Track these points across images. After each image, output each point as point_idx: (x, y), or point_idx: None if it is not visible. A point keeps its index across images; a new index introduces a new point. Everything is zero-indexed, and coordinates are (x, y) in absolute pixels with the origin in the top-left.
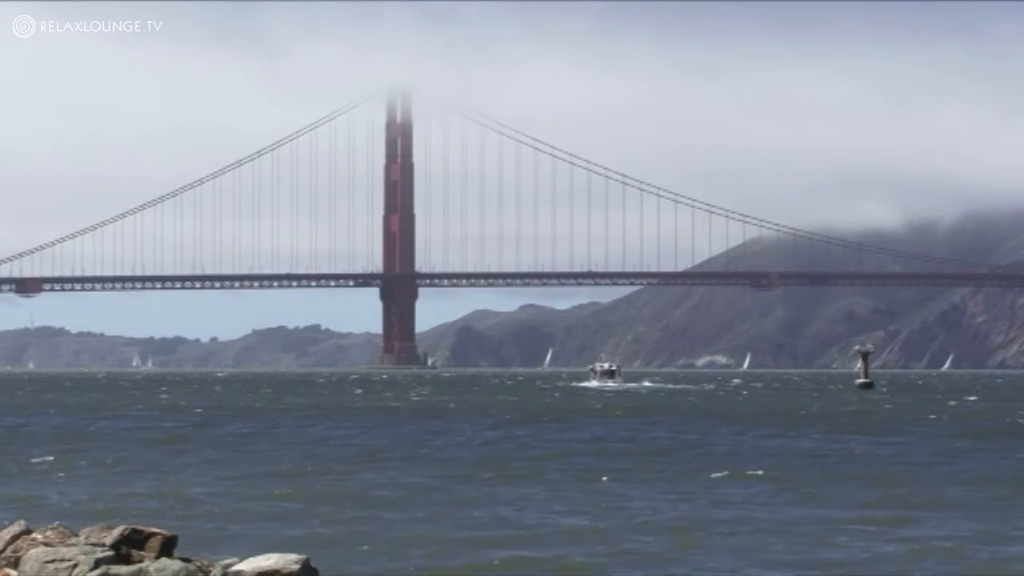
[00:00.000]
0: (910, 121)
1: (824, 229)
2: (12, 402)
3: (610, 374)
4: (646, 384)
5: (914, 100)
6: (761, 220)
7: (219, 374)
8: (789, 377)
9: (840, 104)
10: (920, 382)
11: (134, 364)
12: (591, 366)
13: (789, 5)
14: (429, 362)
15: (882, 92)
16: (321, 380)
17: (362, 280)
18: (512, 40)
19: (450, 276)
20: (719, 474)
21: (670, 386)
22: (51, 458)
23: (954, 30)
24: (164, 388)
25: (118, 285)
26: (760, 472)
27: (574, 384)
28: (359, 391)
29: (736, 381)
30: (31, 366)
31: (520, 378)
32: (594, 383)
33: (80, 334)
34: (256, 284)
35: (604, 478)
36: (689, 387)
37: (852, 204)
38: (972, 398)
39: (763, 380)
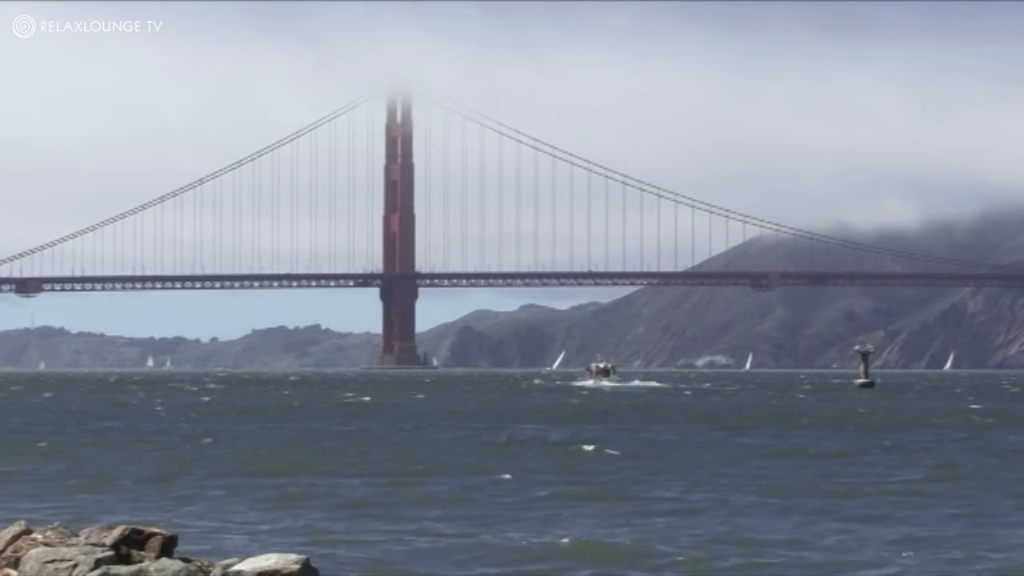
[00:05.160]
0: (950, 122)
1: (841, 228)
2: None
3: (605, 373)
4: (636, 383)
5: (954, 100)
6: (761, 220)
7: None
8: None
9: (878, 104)
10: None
11: (148, 364)
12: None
13: (839, 5)
14: (434, 363)
15: (922, 93)
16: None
17: (362, 280)
18: (549, 41)
19: (450, 276)
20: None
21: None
22: None
23: (1009, 31)
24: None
25: (118, 285)
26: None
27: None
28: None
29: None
30: (42, 366)
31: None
32: (588, 382)
33: (80, 334)
34: (256, 284)
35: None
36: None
37: (874, 204)
38: None
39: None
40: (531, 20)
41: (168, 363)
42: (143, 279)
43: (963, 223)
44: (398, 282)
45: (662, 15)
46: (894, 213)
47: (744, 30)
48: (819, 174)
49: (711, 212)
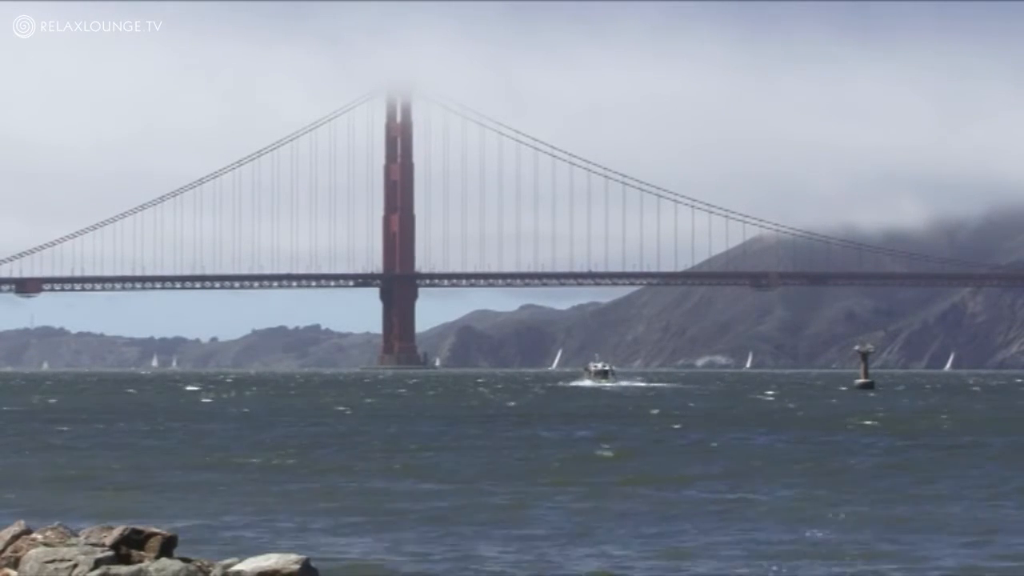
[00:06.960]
0: (960, 122)
1: (848, 229)
2: None
3: (603, 374)
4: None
5: (964, 100)
6: (761, 220)
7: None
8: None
9: (888, 104)
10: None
11: (154, 364)
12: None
13: (849, 6)
14: (436, 363)
15: (931, 93)
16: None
17: (362, 280)
18: (559, 43)
19: (450, 276)
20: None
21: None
22: None
23: (1017, 32)
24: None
25: (118, 285)
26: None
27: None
28: None
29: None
30: (45, 366)
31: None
32: (586, 382)
33: (80, 334)
34: (256, 284)
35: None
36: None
37: (882, 204)
38: None
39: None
40: (547, 21)
41: (175, 363)
42: (143, 279)
43: (971, 223)
44: (398, 282)
45: (671, 16)
46: (902, 213)
47: (753, 31)
48: (827, 174)
49: (711, 212)
